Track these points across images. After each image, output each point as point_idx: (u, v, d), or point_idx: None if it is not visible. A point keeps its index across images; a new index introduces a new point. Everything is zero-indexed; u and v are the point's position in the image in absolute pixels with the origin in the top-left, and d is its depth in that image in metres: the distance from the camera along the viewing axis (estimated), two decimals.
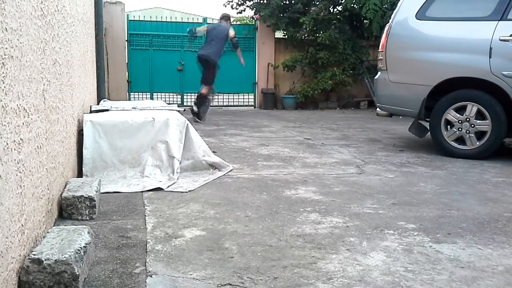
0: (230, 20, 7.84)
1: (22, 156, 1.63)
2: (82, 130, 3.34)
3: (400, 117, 6.22)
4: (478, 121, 4.31)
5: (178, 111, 4.18)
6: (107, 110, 4.20)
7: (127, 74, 9.99)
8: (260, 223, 2.41)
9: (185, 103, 10.45)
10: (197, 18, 12.39)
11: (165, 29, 10.34)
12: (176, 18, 13.24)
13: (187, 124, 3.62)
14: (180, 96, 10.55)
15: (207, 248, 2.06)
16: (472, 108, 4.32)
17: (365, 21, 10.35)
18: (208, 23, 10.68)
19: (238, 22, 13.06)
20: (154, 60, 10.25)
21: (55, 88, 2.35)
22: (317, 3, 10.37)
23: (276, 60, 10.64)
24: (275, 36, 10.80)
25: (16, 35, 1.58)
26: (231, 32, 7.29)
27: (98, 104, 4.88)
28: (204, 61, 7.28)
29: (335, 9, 10.81)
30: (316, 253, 2.02)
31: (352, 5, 9.76)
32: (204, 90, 7.39)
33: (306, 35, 10.55)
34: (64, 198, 2.42)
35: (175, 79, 10.40)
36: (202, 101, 7.49)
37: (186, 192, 3.01)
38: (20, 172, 1.60)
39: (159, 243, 2.11)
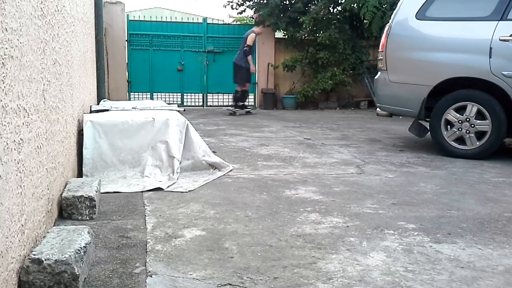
0: (261, 25, 9.13)
1: (22, 156, 1.63)
2: (82, 130, 3.34)
3: (400, 117, 6.23)
4: (478, 121, 4.31)
5: (178, 111, 4.18)
6: (107, 110, 4.20)
7: (127, 74, 9.99)
8: (260, 223, 2.41)
9: (185, 103, 10.46)
10: (197, 18, 12.38)
11: (165, 29, 10.34)
12: (176, 18, 13.25)
13: (187, 124, 3.62)
14: (180, 96, 10.55)
15: (207, 248, 2.06)
16: (472, 108, 4.32)
17: (365, 21, 10.35)
18: (208, 23, 10.71)
19: (238, 22, 13.07)
20: (154, 60, 10.26)
21: (55, 88, 2.35)
22: (317, 2, 10.36)
23: (276, 60, 10.64)
24: (275, 36, 10.80)
25: (16, 35, 1.58)
26: (248, 40, 8.37)
27: (98, 104, 4.88)
28: (234, 65, 8.57)
29: (335, 9, 10.80)
30: (316, 253, 2.02)
31: (352, 5, 9.76)
32: (238, 88, 8.73)
33: (306, 35, 10.55)
34: (64, 198, 2.42)
35: (175, 79, 10.41)
36: (239, 96, 8.78)
37: (186, 192, 3.01)
38: (20, 172, 1.60)
39: (159, 243, 2.11)
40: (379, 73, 5.07)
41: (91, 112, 4.12)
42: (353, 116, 8.97)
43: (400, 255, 2.01)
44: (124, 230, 2.28)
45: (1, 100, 1.40)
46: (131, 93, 10.19)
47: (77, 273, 1.58)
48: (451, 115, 4.44)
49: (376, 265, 1.90)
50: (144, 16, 10.52)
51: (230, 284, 1.71)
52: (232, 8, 11.19)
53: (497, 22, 4.22)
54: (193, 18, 12.79)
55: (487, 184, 3.38)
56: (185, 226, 2.35)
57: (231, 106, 9.08)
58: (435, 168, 3.94)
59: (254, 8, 10.76)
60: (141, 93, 10.35)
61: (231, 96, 11.04)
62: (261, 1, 10.66)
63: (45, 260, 1.56)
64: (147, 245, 2.08)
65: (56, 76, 2.38)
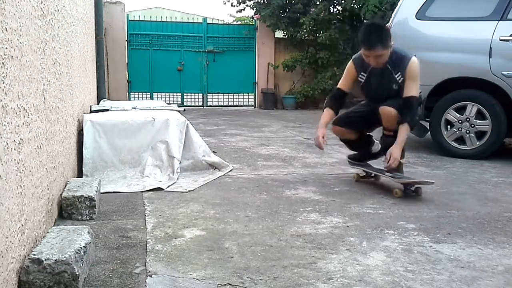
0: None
1: (22, 156, 1.63)
2: (82, 130, 3.34)
3: None
4: (478, 121, 4.31)
5: (178, 111, 4.18)
6: (107, 110, 4.20)
7: (127, 74, 9.99)
8: (260, 223, 2.41)
9: (185, 103, 10.46)
10: (197, 18, 12.38)
11: (165, 29, 10.34)
12: (176, 18, 13.24)
13: (187, 124, 3.62)
14: (180, 96, 10.55)
15: (207, 248, 2.06)
16: (472, 108, 4.32)
17: (365, 21, 10.35)
18: (208, 23, 10.70)
19: (238, 22, 13.07)
20: (154, 60, 10.25)
21: (55, 88, 2.35)
22: (317, 3, 10.36)
23: (276, 60, 10.64)
24: (275, 36, 10.80)
25: (16, 35, 1.58)
26: None
27: (98, 104, 4.88)
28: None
29: (335, 9, 10.80)
30: (316, 253, 2.02)
31: (352, 5, 9.77)
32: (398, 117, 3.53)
33: (306, 35, 10.54)
34: (64, 198, 2.42)
35: (175, 79, 10.40)
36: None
37: (186, 192, 3.01)
38: (20, 172, 1.60)
39: (159, 243, 2.11)
40: None
41: (91, 112, 4.12)
42: None
43: (400, 255, 2.01)
44: (124, 230, 2.28)
45: (1, 100, 1.40)
46: (131, 93, 10.19)
47: (77, 273, 1.58)
48: (451, 115, 4.44)
49: (376, 265, 1.90)
50: (144, 16, 10.52)
51: (230, 284, 1.71)
52: (232, 6, 11.20)
53: (497, 22, 4.22)
54: (193, 18, 12.78)
55: (487, 184, 3.37)
56: (185, 226, 2.35)
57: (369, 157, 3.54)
58: (435, 168, 3.94)
59: (255, 9, 10.75)
60: (141, 93, 10.34)
61: (231, 96, 11.10)
62: (262, 1, 10.66)
63: (45, 260, 1.56)
64: (147, 245, 2.07)
65: (56, 76, 2.38)
